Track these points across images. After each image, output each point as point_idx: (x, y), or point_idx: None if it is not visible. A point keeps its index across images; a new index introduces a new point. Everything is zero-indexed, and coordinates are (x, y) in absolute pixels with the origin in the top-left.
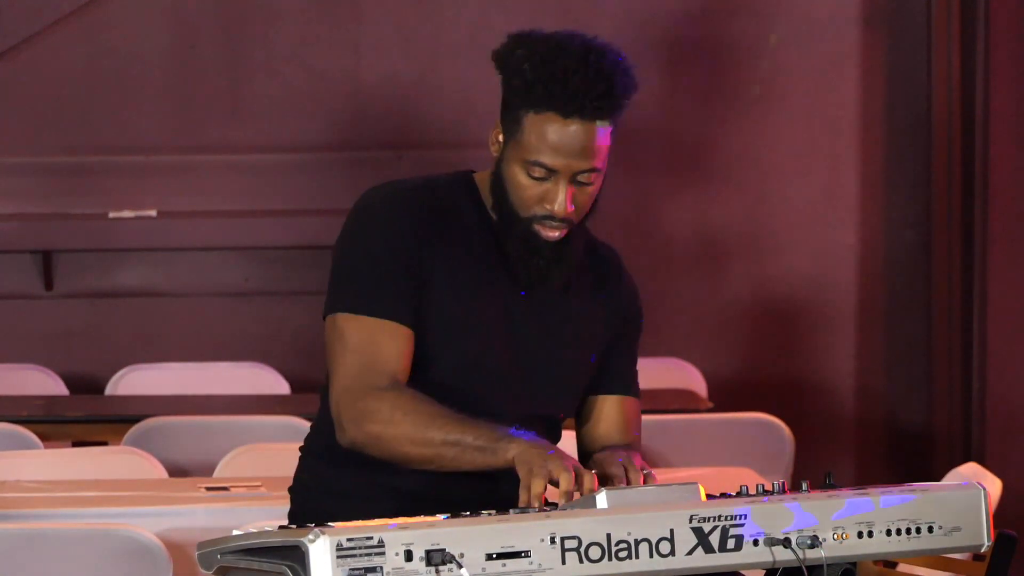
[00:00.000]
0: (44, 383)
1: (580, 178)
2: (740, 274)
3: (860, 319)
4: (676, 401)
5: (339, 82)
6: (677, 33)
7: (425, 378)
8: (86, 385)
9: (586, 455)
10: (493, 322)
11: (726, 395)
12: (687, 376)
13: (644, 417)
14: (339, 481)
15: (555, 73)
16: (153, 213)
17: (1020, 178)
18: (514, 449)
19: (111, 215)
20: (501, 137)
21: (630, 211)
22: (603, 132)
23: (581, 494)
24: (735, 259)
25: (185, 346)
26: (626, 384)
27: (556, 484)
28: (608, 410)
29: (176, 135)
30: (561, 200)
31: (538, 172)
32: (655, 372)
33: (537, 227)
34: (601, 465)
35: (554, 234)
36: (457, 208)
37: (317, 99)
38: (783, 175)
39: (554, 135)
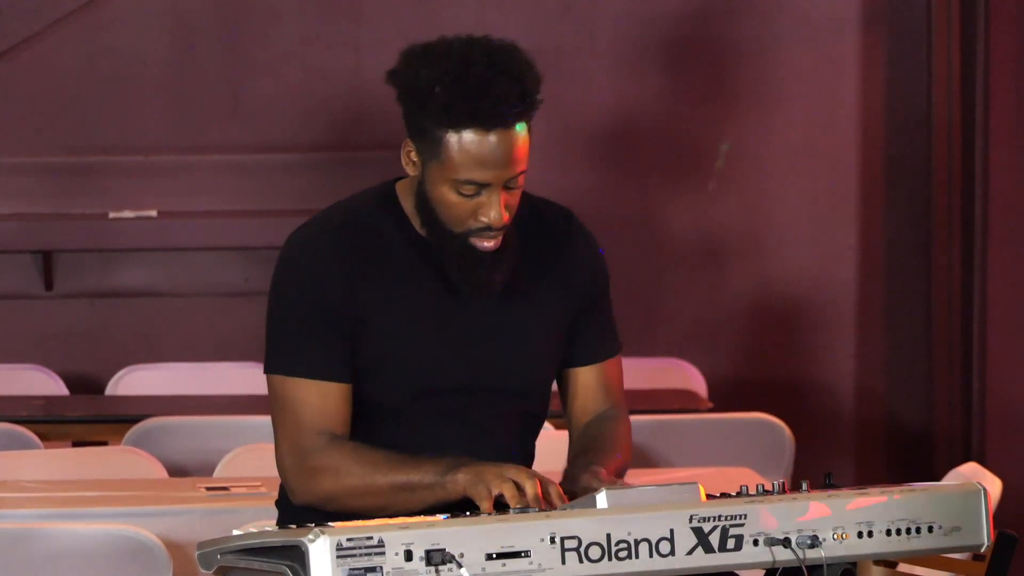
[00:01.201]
0: (44, 383)
1: (510, 184)
2: (740, 274)
3: (860, 319)
4: (676, 401)
5: (339, 82)
6: (677, 33)
7: (388, 410)
8: (86, 385)
9: (572, 428)
10: (442, 340)
11: (726, 395)
12: (687, 376)
13: (644, 417)
14: None
15: (468, 89)
16: (153, 213)
17: (1020, 178)
18: (463, 478)
19: (111, 215)
20: (416, 157)
21: (631, 211)
22: (523, 134)
23: (548, 502)
24: (735, 259)
25: (185, 346)
26: (603, 348)
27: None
28: (588, 382)
29: (176, 135)
30: (497, 211)
31: (469, 189)
32: (655, 372)
33: (474, 240)
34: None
35: (491, 244)
36: (381, 234)
37: (317, 99)
38: (783, 175)
39: (480, 151)
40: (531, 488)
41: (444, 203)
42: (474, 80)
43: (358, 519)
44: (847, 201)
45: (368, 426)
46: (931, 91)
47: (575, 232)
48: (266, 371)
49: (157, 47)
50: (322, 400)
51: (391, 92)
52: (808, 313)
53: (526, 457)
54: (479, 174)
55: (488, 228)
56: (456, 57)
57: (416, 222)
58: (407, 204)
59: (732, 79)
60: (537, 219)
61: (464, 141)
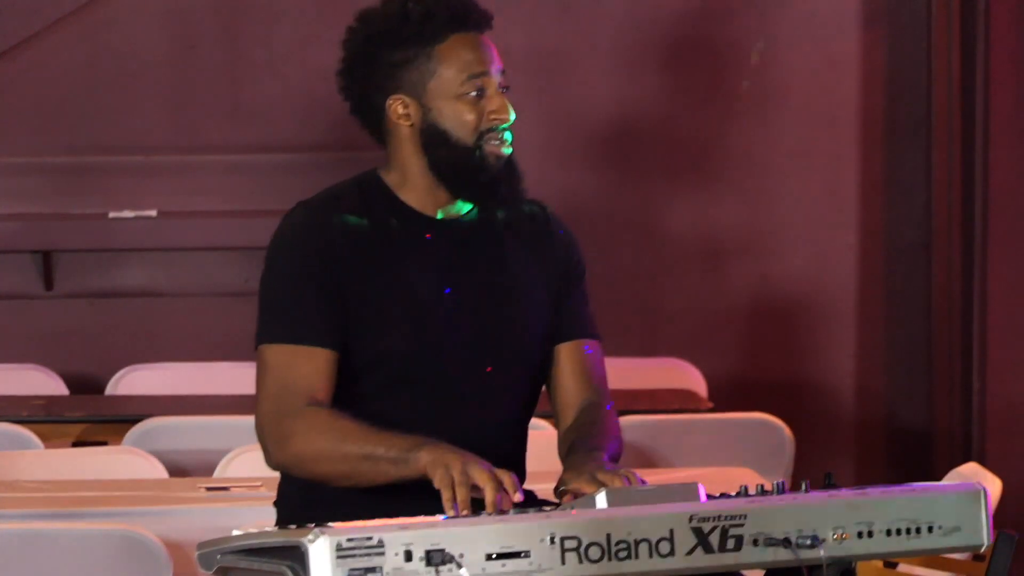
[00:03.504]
0: (44, 383)
1: (503, 82)
2: (740, 274)
3: (860, 319)
4: (676, 401)
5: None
6: (677, 33)
7: (383, 374)
8: (86, 385)
9: (556, 409)
10: (436, 301)
11: (726, 395)
12: (687, 376)
13: (644, 417)
14: (323, 492)
15: (437, 2)
16: (153, 213)
17: (1020, 178)
18: (425, 457)
19: (111, 215)
20: (408, 102)
21: (630, 211)
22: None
23: (507, 500)
24: (735, 259)
25: (185, 346)
26: (581, 327)
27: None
28: (569, 357)
29: (176, 135)
30: (503, 102)
31: (473, 88)
32: (655, 372)
33: (488, 148)
34: (574, 489)
35: (505, 148)
36: (369, 205)
37: (317, 99)
38: (783, 175)
39: (469, 47)
40: (490, 493)
41: (454, 115)
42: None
43: (358, 519)
44: (847, 201)
45: (353, 398)
46: (931, 91)
47: (552, 218)
48: (257, 343)
49: (157, 47)
50: (308, 365)
51: None
52: (808, 313)
53: (516, 439)
54: (477, 66)
55: (497, 128)
56: None
57: (406, 192)
58: (391, 178)
59: (732, 79)
60: (516, 207)
61: (451, 48)
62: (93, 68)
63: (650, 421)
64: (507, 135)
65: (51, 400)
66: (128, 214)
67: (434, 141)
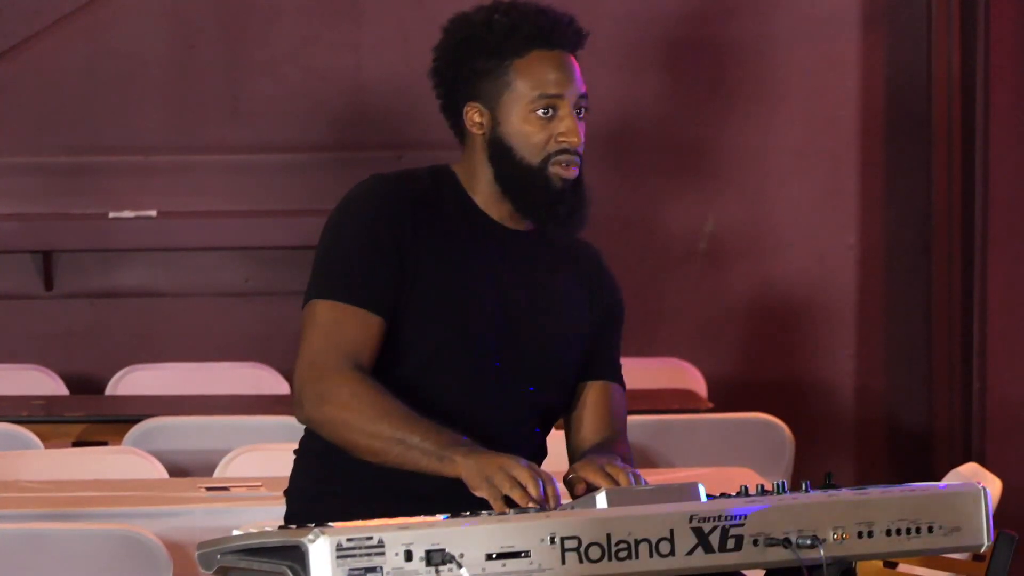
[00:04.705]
0: (44, 383)
1: (578, 107)
2: (740, 274)
3: (860, 319)
4: (676, 401)
5: (339, 82)
6: (677, 33)
7: (412, 365)
8: (86, 385)
9: (573, 445)
10: (485, 304)
11: (726, 395)
12: (687, 376)
13: (644, 417)
14: (335, 483)
15: (524, 16)
16: (153, 213)
17: (1020, 178)
18: (461, 461)
19: (111, 215)
20: (483, 111)
21: (630, 211)
22: (578, 64)
23: (547, 501)
24: (735, 259)
25: (185, 346)
26: (610, 371)
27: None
28: (594, 396)
29: (176, 135)
30: (573, 127)
31: (543, 107)
32: (655, 372)
33: (553, 170)
34: (583, 476)
35: (572, 171)
36: (440, 197)
37: (317, 99)
38: (783, 175)
39: (548, 66)
40: (534, 489)
41: (522, 133)
42: (524, 10)
43: (363, 514)
44: (847, 201)
45: (387, 370)
46: (931, 91)
47: (606, 269)
48: (309, 297)
49: (157, 47)
50: (359, 327)
51: (391, 92)
52: (808, 313)
53: (536, 445)
54: (552, 87)
55: (567, 150)
56: (496, 2)
57: (476, 194)
58: (463, 178)
59: (732, 79)
60: (573, 242)
61: (530, 63)
62: (93, 68)
63: (650, 421)
64: (575, 159)
65: (51, 400)
66: (128, 214)
67: (501, 154)
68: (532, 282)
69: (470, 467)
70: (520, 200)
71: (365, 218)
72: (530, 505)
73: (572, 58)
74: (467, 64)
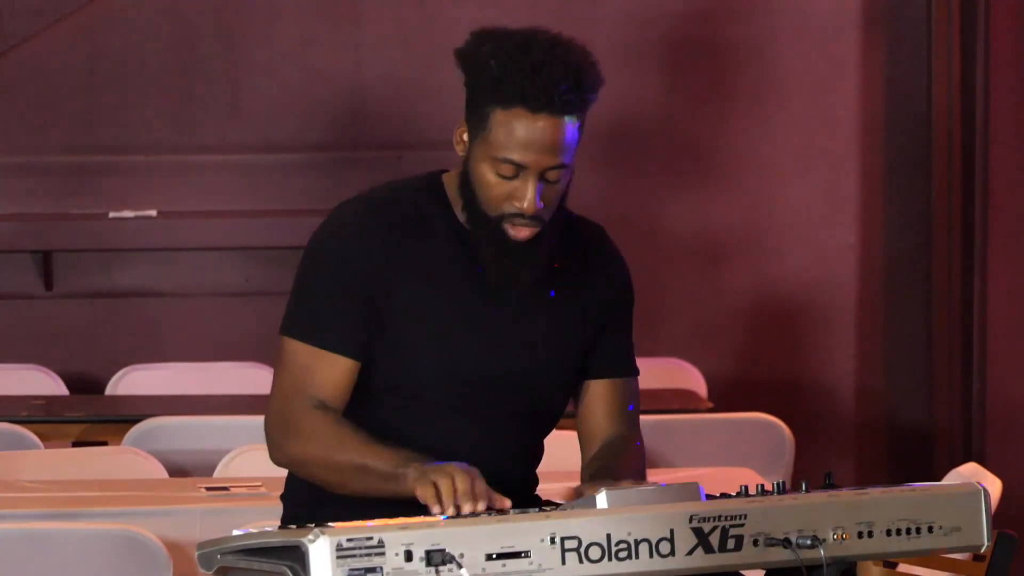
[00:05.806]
0: (44, 383)
1: (548, 175)
2: (740, 274)
3: (860, 319)
4: (676, 401)
5: (339, 82)
6: (677, 33)
7: (403, 394)
8: (86, 385)
9: (581, 445)
10: (464, 330)
11: (726, 395)
12: (687, 376)
13: (644, 417)
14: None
15: (523, 67)
16: (153, 213)
17: (1020, 178)
18: (411, 474)
19: (111, 215)
20: (466, 136)
21: (630, 211)
22: (571, 127)
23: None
24: (735, 259)
25: (185, 346)
26: (620, 366)
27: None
28: (602, 394)
29: (176, 135)
30: (530, 197)
31: (506, 170)
32: (655, 372)
33: (506, 226)
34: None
35: (524, 233)
36: (424, 216)
37: (317, 99)
38: (783, 175)
39: (522, 131)
40: (462, 484)
41: (482, 182)
42: (530, 61)
43: (358, 519)
44: (847, 201)
45: (369, 408)
46: (931, 91)
47: (608, 249)
48: (283, 332)
49: (157, 47)
50: (327, 371)
51: (391, 92)
52: (808, 313)
53: (530, 458)
54: (517, 154)
55: (520, 215)
56: (519, 38)
57: (458, 209)
58: (451, 192)
59: (732, 79)
60: (573, 231)
61: (509, 119)
62: (93, 68)
63: (650, 421)
64: (530, 222)
65: (51, 400)
66: (128, 214)
67: (469, 186)
68: (518, 313)
69: (416, 479)
70: (474, 238)
71: (335, 259)
72: (464, 506)
73: (560, 122)
74: (467, 82)
